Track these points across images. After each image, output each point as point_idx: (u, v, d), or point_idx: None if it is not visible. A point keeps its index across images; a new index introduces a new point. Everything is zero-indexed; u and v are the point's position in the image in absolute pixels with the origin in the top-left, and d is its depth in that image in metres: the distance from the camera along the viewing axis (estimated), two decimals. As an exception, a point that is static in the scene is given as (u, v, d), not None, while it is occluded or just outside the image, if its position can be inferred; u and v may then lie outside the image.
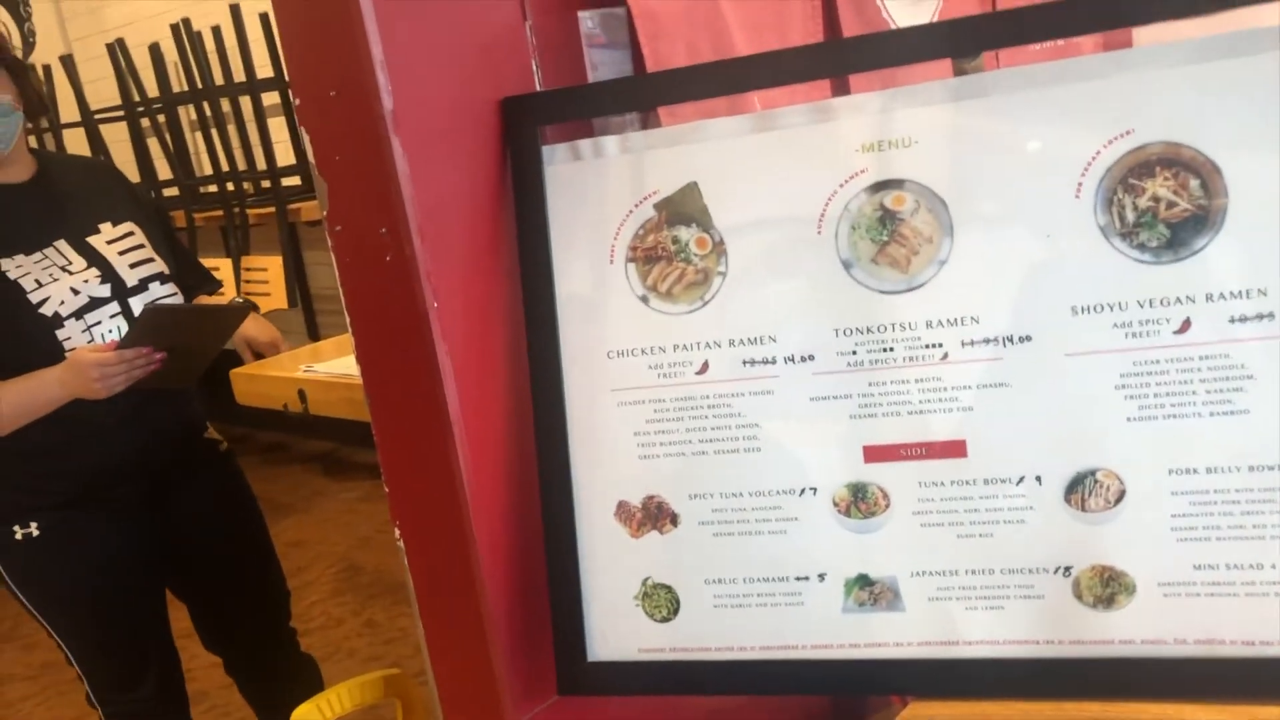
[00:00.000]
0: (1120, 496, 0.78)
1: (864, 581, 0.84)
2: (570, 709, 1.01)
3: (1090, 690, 0.78)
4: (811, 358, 0.84)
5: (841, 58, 0.87)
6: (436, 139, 0.88)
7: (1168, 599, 0.77)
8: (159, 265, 1.59)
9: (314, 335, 4.20)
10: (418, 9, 0.87)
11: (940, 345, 0.81)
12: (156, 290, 1.57)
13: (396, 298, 0.88)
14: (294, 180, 3.90)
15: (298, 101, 0.89)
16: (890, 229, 0.82)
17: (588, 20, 0.96)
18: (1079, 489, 0.79)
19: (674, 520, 0.88)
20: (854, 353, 0.83)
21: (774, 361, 0.85)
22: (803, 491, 0.85)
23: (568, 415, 0.90)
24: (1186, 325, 0.76)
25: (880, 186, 0.82)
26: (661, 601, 0.88)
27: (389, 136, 0.84)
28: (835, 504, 0.84)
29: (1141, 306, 0.76)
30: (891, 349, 0.82)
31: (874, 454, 0.83)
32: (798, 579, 0.85)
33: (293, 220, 3.91)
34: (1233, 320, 0.75)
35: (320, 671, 1.90)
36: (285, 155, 3.91)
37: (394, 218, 0.86)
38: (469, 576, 0.92)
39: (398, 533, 0.98)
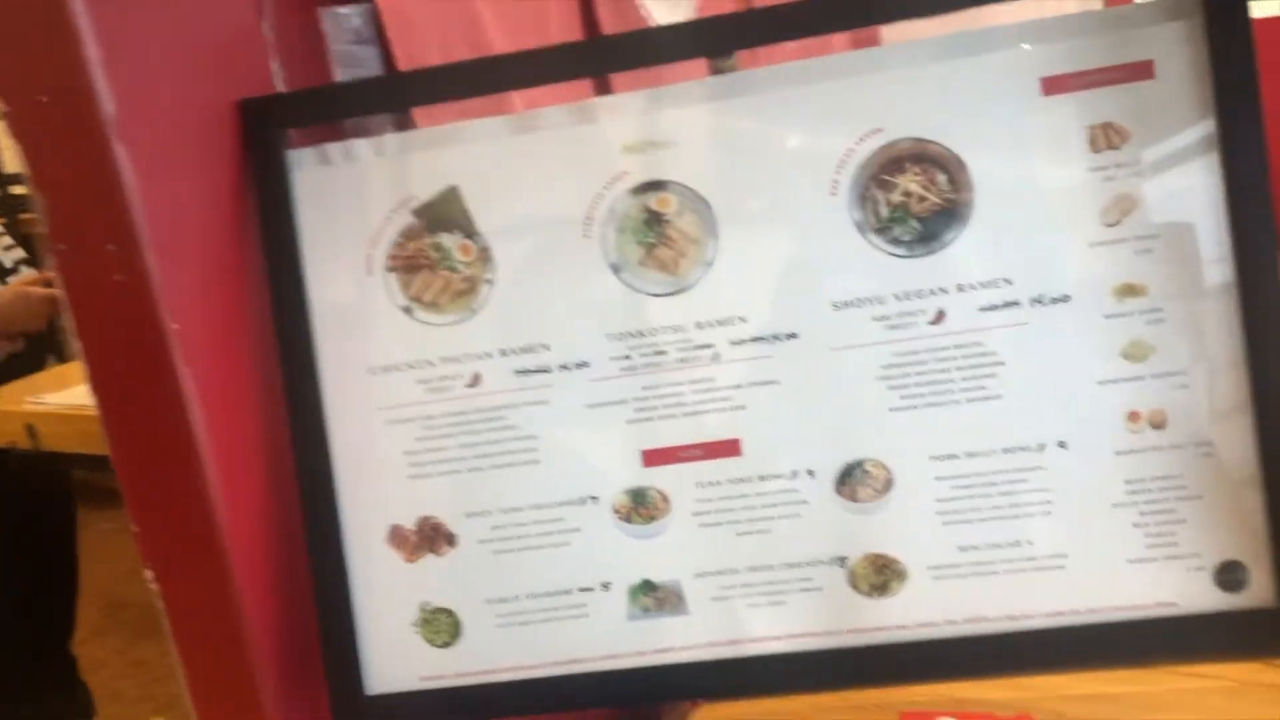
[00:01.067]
0: (888, 485, 0.80)
1: (648, 587, 0.83)
2: (352, 746, 0.96)
3: (870, 677, 0.80)
4: (586, 364, 0.83)
5: (596, 56, 0.86)
6: (167, 146, 0.80)
7: (937, 582, 0.80)
8: None
9: (62, 356, 3.88)
10: (140, 3, 0.79)
11: (711, 346, 0.81)
12: None
13: (131, 320, 0.81)
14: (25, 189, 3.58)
15: (6, 108, 0.80)
16: (657, 231, 0.81)
17: (331, 18, 0.91)
18: (849, 480, 0.80)
19: (451, 541, 0.84)
20: (628, 357, 0.82)
21: (548, 370, 0.83)
22: (583, 501, 0.83)
23: (330, 438, 0.85)
24: (941, 316, 0.78)
25: (644, 188, 0.81)
26: (441, 627, 0.85)
27: (111, 145, 0.76)
28: (616, 511, 0.83)
29: (898, 299, 0.79)
30: (664, 352, 0.82)
31: (652, 458, 0.82)
32: (582, 590, 0.83)
33: (27, 232, 3.60)
34: (982, 309, 0.78)
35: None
36: (13, 161, 3.59)
37: (122, 233, 0.78)
38: (229, 616, 0.85)
39: (150, 575, 0.90)
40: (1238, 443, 0.76)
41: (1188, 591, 0.76)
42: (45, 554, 1.79)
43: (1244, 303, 0.75)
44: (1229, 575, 0.76)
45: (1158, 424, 0.76)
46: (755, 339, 0.81)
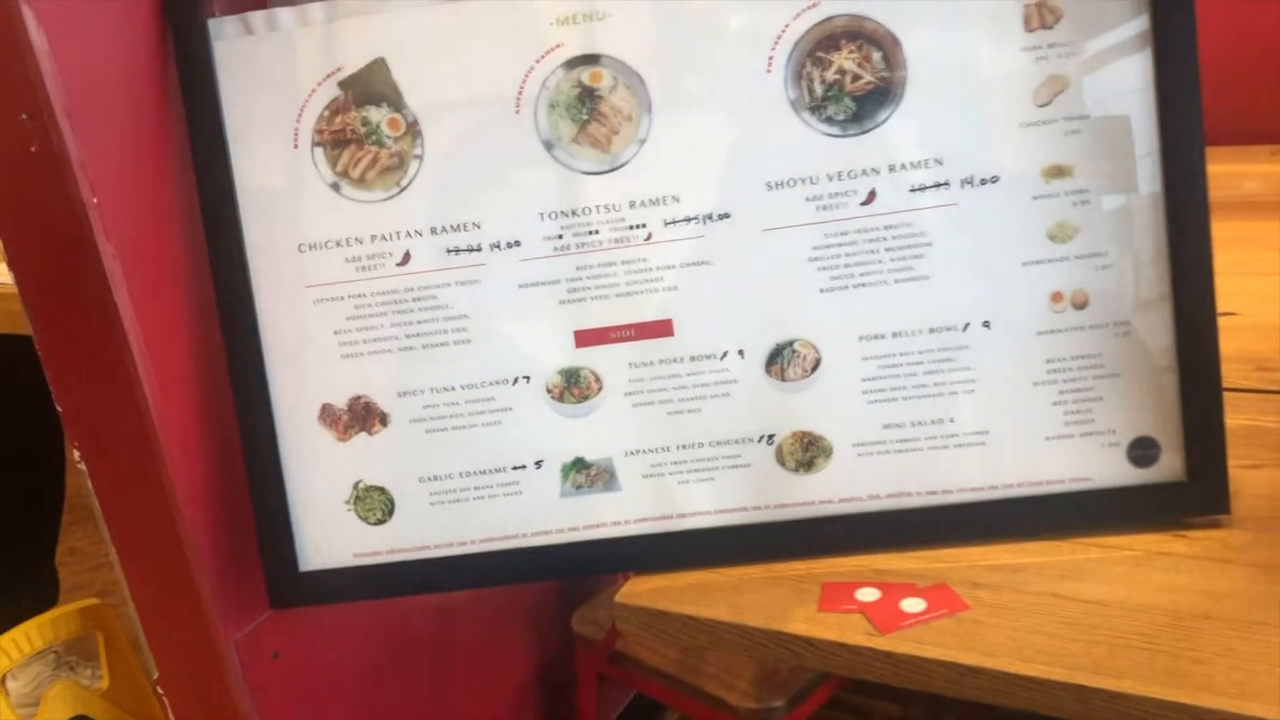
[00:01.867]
0: (816, 365, 0.81)
1: (580, 465, 0.84)
2: (287, 623, 0.97)
3: (795, 549, 0.82)
4: (518, 243, 0.82)
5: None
6: (81, 10, 0.77)
7: (861, 458, 0.81)
8: None
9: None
10: None
11: (644, 225, 0.81)
12: None
13: (47, 194, 0.78)
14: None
15: (-99, -35, 0.76)
16: (589, 107, 0.80)
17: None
18: (778, 360, 0.81)
19: (383, 420, 0.84)
20: (560, 236, 0.82)
21: (479, 249, 0.82)
22: (515, 380, 0.83)
23: (259, 317, 0.84)
24: (872, 196, 0.79)
25: (577, 62, 0.79)
26: (375, 504, 0.85)
27: (19, 6, 0.73)
28: (549, 390, 0.83)
29: (830, 179, 0.79)
30: (597, 231, 0.81)
31: (585, 338, 0.83)
32: (515, 468, 0.84)
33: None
34: (913, 190, 0.78)
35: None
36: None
37: (35, 101, 0.75)
38: (161, 495, 0.85)
39: (77, 454, 0.89)
40: (1156, 327, 0.78)
41: (1102, 466, 0.79)
42: (38, 437, 1.74)
43: (1169, 195, 0.76)
44: (1141, 451, 0.79)
45: (1079, 304, 0.78)
46: (688, 219, 0.80)
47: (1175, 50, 0.75)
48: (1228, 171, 1.47)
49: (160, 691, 0.98)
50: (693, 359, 0.82)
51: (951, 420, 0.80)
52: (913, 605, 0.74)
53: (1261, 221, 1.34)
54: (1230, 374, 0.78)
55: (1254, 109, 1.56)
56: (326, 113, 0.82)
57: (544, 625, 1.36)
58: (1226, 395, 0.78)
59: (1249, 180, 1.48)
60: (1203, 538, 0.77)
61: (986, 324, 0.79)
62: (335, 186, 0.83)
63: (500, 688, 1.31)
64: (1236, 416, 0.87)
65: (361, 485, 0.85)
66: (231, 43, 0.82)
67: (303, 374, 0.85)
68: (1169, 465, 0.79)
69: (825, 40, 0.77)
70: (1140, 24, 0.75)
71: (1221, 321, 0.77)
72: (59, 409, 0.88)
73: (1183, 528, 0.78)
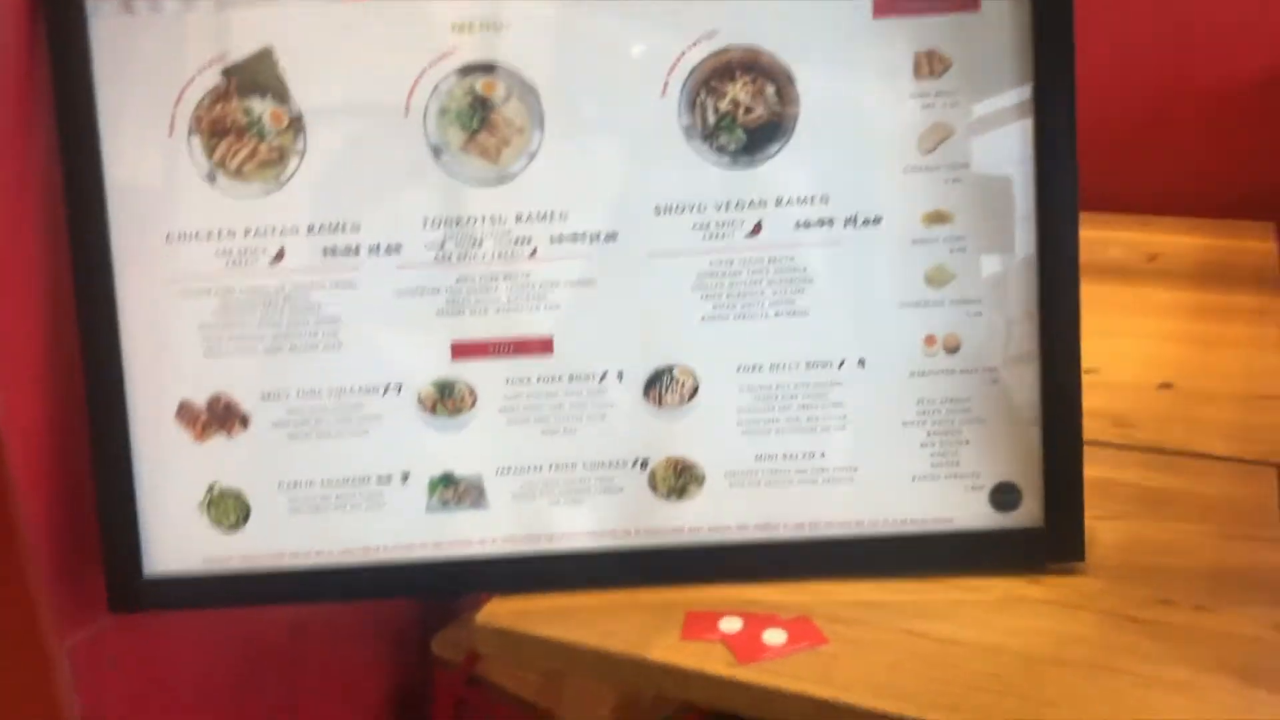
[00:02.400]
0: (694, 392, 0.81)
1: (448, 480, 0.82)
2: (129, 631, 0.92)
3: (662, 576, 0.81)
4: (398, 249, 0.80)
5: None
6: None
7: (733, 488, 0.81)
8: None
9: None
10: None
11: (530, 240, 0.80)
12: None
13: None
14: None
15: None
16: (481, 116, 0.78)
17: None
18: (656, 385, 0.81)
19: (244, 422, 0.81)
20: (443, 245, 0.80)
21: (357, 251, 0.80)
22: (386, 390, 0.81)
23: (119, 305, 0.80)
24: (758, 228, 0.79)
25: (472, 69, 0.78)
26: (229, 508, 0.82)
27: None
28: (421, 401, 0.81)
29: (719, 209, 0.79)
30: (481, 243, 0.80)
31: (462, 350, 0.81)
32: (379, 480, 0.82)
33: None
34: (798, 225, 0.79)
35: None
36: None
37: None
38: (-4, 488, 0.80)
39: (-93, 440, 0.83)
40: (1023, 377, 0.80)
41: (965, 509, 0.81)
42: None
43: (1042, 254, 0.78)
44: (1003, 496, 0.81)
45: (951, 348, 0.80)
46: (575, 237, 0.80)
47: (1055, 120, 0.77)
48: (1095, 237, 1.52)
49: (-18, 699, 0.92)
50: (571, 379, 0.81)
51: (823, 454, 0.81)
52: (774, 637, 0.74)
53: (1125, 286, 1.40)
54: (1090, 429, 0.80)
55: (1122, 178, 1.63)
56: (207, 100, 0.79)
57: (403, 646, 1.32)
58: (1086, 449, 0.80)
59: (1114, 246, 1.55)
60: (1057, 584, 0.78)
61: (861, 362, 0.80)
62: (210, 177, 0.79)
63: (354, 708, 1.26)
64: (1095, 469, 0.89)
65: (217, 488, 0.82)
66: (109, 20, 0.78)
67: (162, 368, 0.81)
68: (1029, 511, 0.80)
69: (721, 69, 0.78)
70: (1023, 92, 0.77)
71: (1085, 379, 0.79)
72: (-110, 390, 0.82)
73: (1039, 573, 0.80)
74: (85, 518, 0.83)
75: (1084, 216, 0.78)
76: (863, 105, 0.78)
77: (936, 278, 0.79)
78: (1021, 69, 0.77)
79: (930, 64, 0.77)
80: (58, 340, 0.83)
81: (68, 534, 0.86)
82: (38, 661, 0.86)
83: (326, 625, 1.19)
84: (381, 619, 1.29)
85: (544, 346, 0.81)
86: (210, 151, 0.79)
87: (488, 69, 0.78)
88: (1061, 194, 0.78)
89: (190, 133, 0.79)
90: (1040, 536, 0.80)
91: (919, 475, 0.81)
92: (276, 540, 0.82)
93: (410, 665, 1.33)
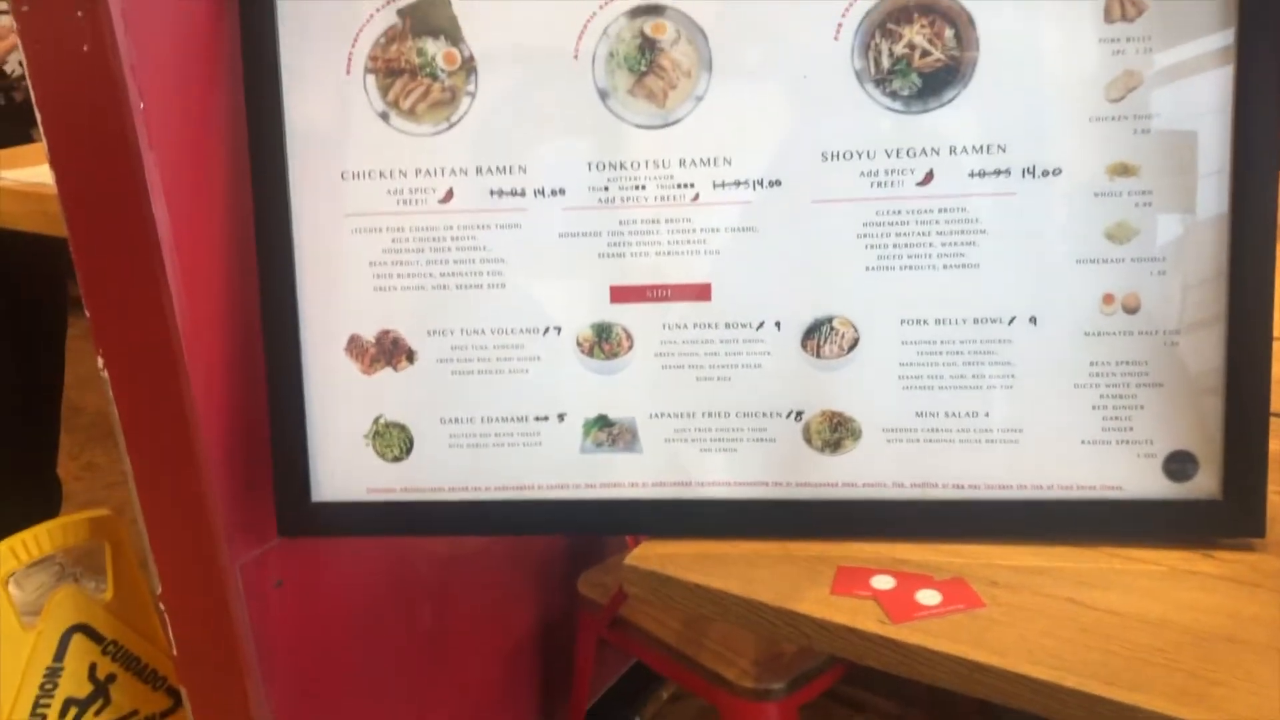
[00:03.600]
0: (854, 344, 0.79)
1: (603, 422, 0.83)
2: (294, 553, 0.97)
3: (814, 530, 0.80)
4: (562, 191, 0.80)
5: None
6: (142, -89, 0.76)
7: (890, 444, 0.80)
8: None
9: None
10: None
11: (692, 185, 0.79)
12: None
13: (96, 95, 0.78)
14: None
15: None
16: (649, 59, 0.78)
17: None
18: (815, 335, 0.79)
19: (410, 357, 0.83)
20: (606, 188, 0.80)
21: (523, 194, 0.81)
22: (546, 330, 0.82)
23: (295, 241, 0.83)
24: (929, 177, 0.76)
25: (641, 11, 0.77)
26: (394, 440, 0.84)
27: (82, -99, 0.72)
28: (579, 344, 0.82)
29: (889, 156, 0.77)
30: (644, 186, 0.80)
31: (620, 294, 0.81)
32: (537, 419, 0.83)
33: None
34: (972, 175, 0.76)
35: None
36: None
37: (91, -1, 0.75)
38: (180, 410, 0.85)
39: (101, 362, 0.89)
40: (1207, 341, 0.75)
41: (1136, 476, 0.77)
42: (37, 345, 1.76)
43: (1235, 212, 0.74)
44: (1177, 465, 0.77)
45: (1131, 308, 0.76)
46: (738, 183, 0.79)
47: (1259, 67, 0.72)
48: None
49: (161, 608, 0.98)
50: (728, 326, 0.81)
51: (986, 414, 0.78)
52: (928, 597, 0.72)
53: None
54: (1277, 398, 0.76)
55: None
56: (382, 40, 0.80)
57: (550, 584, 1.35)
58: (1272, 420, 0.75)
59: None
60: (1232, 559, 0.74)
61: (1033, 319, 0.77)
62: (384, 116, 0.81)
63: (500, 641, 1.30)
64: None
65: (382, 421, 0.84)
66: (293, -39, 0.80)
67: (334, 303, 0.84)
68: (1205, 483, 0.76)
69: (897, 12, 0.75)
70: (1225, 36, 0.72)
71: (1275, 346, 0.74)
72: (88, 315, 0.87)
73: (1212, 547, 0.76)
74: (260, 444, 0.88)
75: (1281, 172, 0.73)
76: (1047, 50, 0.74)
77: (1118, 233, 0.75)
78: (1224, 12, 0.72)
79: (1124, 7, 0.73)
80: (239, 270, 0.86)
81: (243, 459, 0.90)
82: (212, 577, 0.92)
83: (477, 560, 1.22)
84: (530, 557, 1.32)
85: (702, 292, 0.80)
86: (385, 91, 0.81)
87: (657, 10, 0.77)
88: (1261, 148, 0.73)
89: (366, 72, 0.81)
90: (1216, 509, 0.76)
91: (1088, 440, 0.77)
92: (437, 473, 0.84)
93: (556, 603, 1.36)
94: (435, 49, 0.80)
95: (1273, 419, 0.76)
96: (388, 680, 1.13)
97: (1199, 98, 0.74)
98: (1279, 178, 0.73)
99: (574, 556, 1.37)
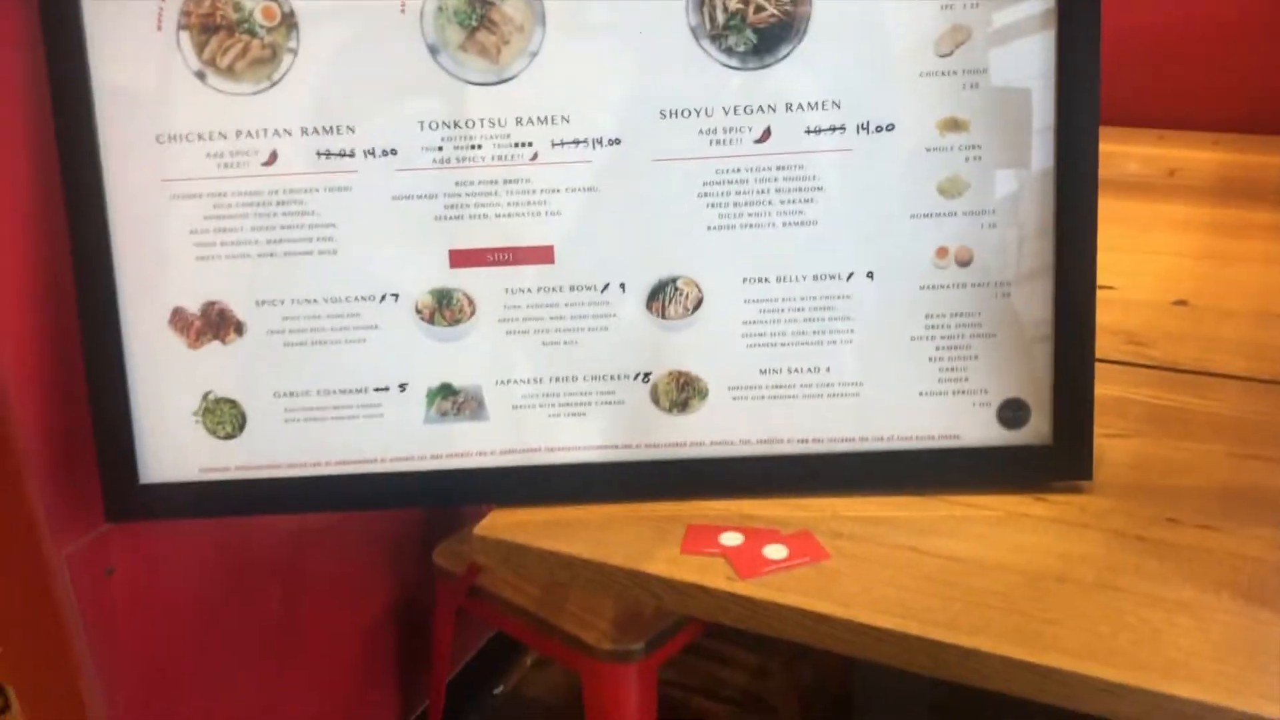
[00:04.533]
0: (698, 304, 0.79)
1: (447, 391, 0.81)
2: (126, 539, 0.92)
3: (664, 490, 0.80)
4: (394, 152, 0.78)
5: None
6: None
7: (736, 402, 0.80)
8: None
9: None
10: None
11: (530, 145, 0.77)
12: None
13: None
14: None
15: None
16: (480, 13, 0.75)
17: None
18: (660, 297, 0.79)
19: (239, 329, 0.80)
20: (440, 148, 0.77)
21: (352, 154, 0.78)
22: (383, 298, 0.79)
23: (109, 208, 0.78)
24: (767, 134, 0.76)
25: (470, -37, 0.75)
26: (225, 417, 0.80)
27: None
28: (418, 311, 0.80)
29: (726, 113, 0.76)
30: (480, 146, 0.77)
31: (460, 258, 0.79)
32: (377, 390, 0.81)
33: None
34: (808, 131, 0.76)
35: None
36: None
37: None
38: (-13, 394, 0.79)
39: (-103, 346, 0.82)
40: (1036, 292, 0.78)
41: (972, 425, 0.79)
42: None
43: (1060, 167, 0.75)
44: (1011, 413, 0.79)
45: (963, 261, 0.77)
46: (577, 141, 0.77)
47: (1079, 26, 0.74)
48: (1113, 151, 1.49)
49: (-17, 604, 0.92)
50: (572, 289, 0.79)
51: (828, 369, 0.79)
52: (775, 552, 0.73)
53: (1142, 202, 1.37)
54: (1103, 346, 0.79)
55: (1142, 92, 1.59)
56: (195, -7, 0.76)
57: (404, 557, 1.33)
58: (1098, 366, 0.78)
59: (1132, 161, 1.51)
60: (1063, 502, 0.77)
61: (870, 274, 0.78)
62: (200, 75, 0.77)
63: (355, 618, 1.27)
64: (1106, 387, 0.89)
65: (211, 396, 0.80)
66: (92, -93, 0.75)
67: (154, 274, 0.79)
68: (1037, 428, 0.79)
69: (731, -34, 0.74)
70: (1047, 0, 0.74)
71: (1099, 295, 0.77)
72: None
73: (1045, 491, 0.78)
74: (82, 426, 0.82)
75: (1102, 130, 0.75)
76: (878, 5, 0.75)
77: (950, 188, 0.77)
78: (1045, -30, 0.74)
79: (950, -38, 0.74)
80: (49, 247, 0.81)
81: (64, 442, 0.85)
82: (36, 567, 0.86)
83: (327, 535, 1.19)
84: (382, 530, 1.29)
85: (545, 255, 0.79)
86: (200, 48, 0.76)
87: (486, -38, 0.75)
88: (1083, 106, 0.75)
89: (179, 28, 0.76)
90: (1047, 454, 0.79)
91: (926, 391, 0.79)
92: (273, 450, 0.81)
93: (411, 575, 1.34)
94: (253, 3, 0.76)
95: (1100, 366, 0.79)
96: (237, 666, 1.09)
97: (1024, 55, 0.75)
98: (1098, 135, 0.75)
99: (429, 528, 1.34)
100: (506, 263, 0.79)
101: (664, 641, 1.09)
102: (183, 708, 1.02)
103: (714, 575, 0.71)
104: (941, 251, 0.77)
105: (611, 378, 0.80)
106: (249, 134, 0.77)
